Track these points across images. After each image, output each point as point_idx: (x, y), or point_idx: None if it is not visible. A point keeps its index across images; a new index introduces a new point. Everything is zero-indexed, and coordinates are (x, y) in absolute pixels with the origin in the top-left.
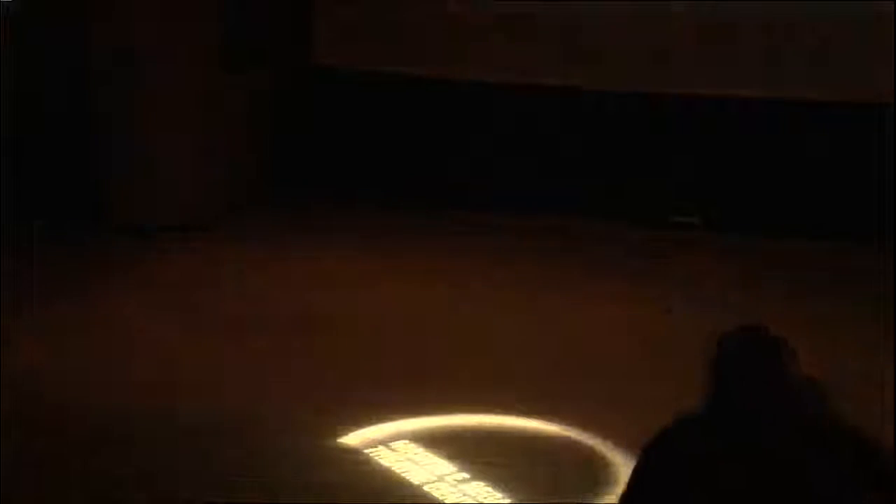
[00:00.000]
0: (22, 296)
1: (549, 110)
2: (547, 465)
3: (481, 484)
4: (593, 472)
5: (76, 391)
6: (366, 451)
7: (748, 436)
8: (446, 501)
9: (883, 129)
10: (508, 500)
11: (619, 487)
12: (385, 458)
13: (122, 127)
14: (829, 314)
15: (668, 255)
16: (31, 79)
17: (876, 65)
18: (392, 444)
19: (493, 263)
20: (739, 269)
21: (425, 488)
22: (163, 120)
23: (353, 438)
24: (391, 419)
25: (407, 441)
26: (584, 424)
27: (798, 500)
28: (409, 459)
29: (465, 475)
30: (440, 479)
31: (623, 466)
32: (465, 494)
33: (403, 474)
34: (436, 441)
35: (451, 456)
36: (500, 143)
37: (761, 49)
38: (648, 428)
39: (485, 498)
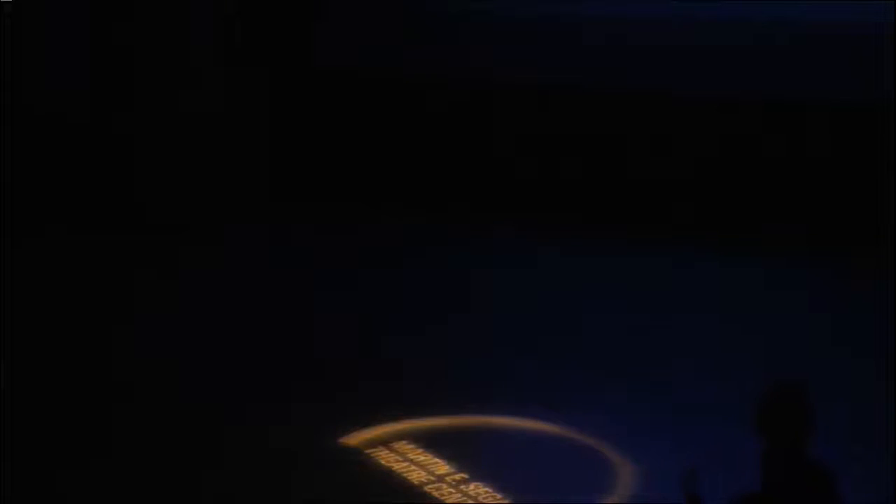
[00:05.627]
0: None
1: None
2: (547, 466)
3: (481, 484)
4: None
5: None
6: (366, 451)
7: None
8: (446, 501)
9: None
10: (508, 501)
11: (617, 487)
12: (385, 458)
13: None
14: None
15: None
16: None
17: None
18: (392, 444)
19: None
20: None
21: (425, 488)
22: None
23: (353, 438)
24: (391, 419)
25: (407, 441)
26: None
27: None
28: (409, 459)
29: (465, 475)
30: (440, 479)
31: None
32: (465, 494)
33: (403, 474)
34: (436, 441)
35: (451, 456)
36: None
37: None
38: None
39: (485, 498)
